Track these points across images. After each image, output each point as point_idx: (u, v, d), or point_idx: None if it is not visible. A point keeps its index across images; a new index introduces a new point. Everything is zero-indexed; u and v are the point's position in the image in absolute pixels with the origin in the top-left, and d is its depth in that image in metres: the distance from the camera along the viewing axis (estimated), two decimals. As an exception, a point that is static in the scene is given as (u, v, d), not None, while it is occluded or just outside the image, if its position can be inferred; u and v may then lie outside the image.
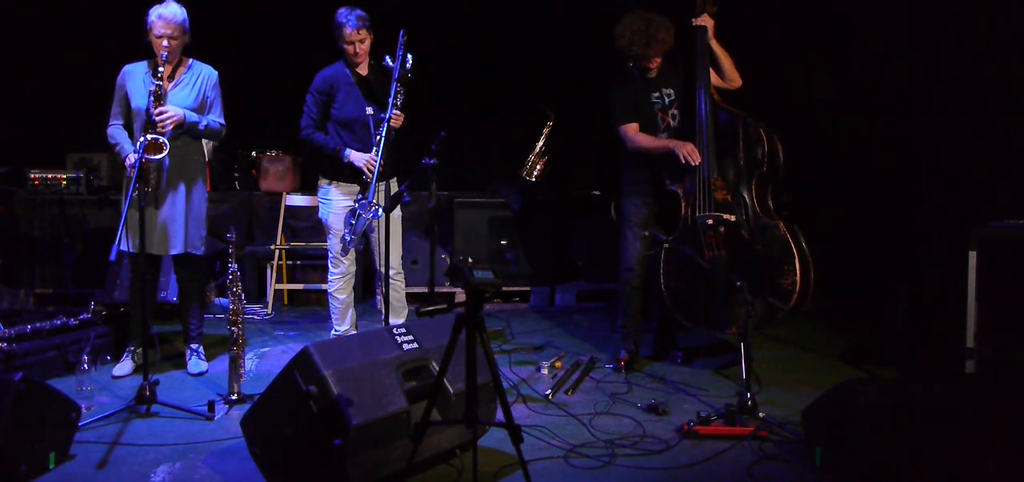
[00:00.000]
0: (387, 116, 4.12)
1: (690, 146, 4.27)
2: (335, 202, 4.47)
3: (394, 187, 4.33)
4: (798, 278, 4.12)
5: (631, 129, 4.44)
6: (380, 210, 4.16)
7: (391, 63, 4.13)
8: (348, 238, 4.31)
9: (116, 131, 4.15)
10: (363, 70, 4.42)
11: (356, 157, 4.34)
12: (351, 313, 4.59)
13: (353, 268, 4.55)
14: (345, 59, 4.41)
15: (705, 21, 4.33)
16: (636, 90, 4.46)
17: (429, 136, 4.22)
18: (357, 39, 4.31)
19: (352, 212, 4.27)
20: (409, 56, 4.11)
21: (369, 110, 4.29)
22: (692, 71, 4.34)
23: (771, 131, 4.30)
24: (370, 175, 4.17)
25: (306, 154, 4.60)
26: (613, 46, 4.38)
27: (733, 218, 4.27)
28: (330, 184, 4.48)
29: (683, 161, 4.25)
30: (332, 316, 4.65)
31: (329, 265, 4.55)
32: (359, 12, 4.31)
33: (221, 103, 4.30)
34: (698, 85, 4.31)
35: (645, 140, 4.42)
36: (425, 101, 4.46)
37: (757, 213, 4.27)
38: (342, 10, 4.32)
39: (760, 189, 4.32)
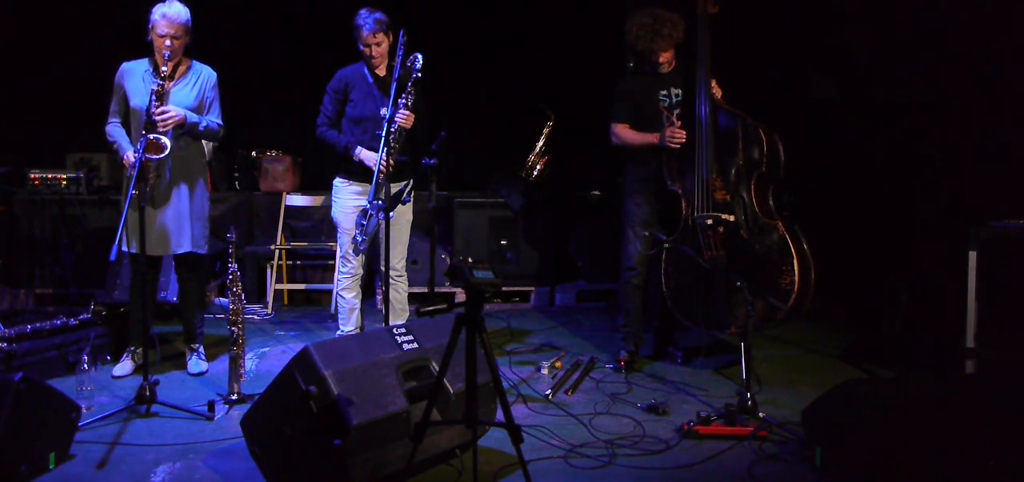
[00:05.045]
0: (387, 116, 4.12)
1: (670, 129, 4.31)
2: (346, 200, 4.49)
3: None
4: (797, 278, 4.12)
5: (620, 127, 4.50)
6: (392, 211, 4.18)
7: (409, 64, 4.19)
8: (359, 238, 4.32)
9: (114, 129, 4.15)
10: (381, 71, 4.44)
11: (367, 156, 4.35)
12: (356, 315, 4.59)
13: (361, 269, 4.56)
14: (364, 60, 4.43)
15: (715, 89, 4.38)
16: (642, 87, 4.48)
17: (429, 136, 4.23)
18: (373, 42, 4.33)
19: (363, 212, 4.28)
20: (419, 57, 4.14)
21: (383, 110, 4.29)
22: (693, 70, 4.35)
23: (771, 131, 4.31)
24: (382, 174, 4.19)
25: (320, 151, 4.61)
26: (624, 41, 4.44)
27: (732, 218, 4.27)
28: (342, 182, 4.50)
29: (668, 143, 4.31)
30: (338, 316, 4.67)
31: (338, 264, 4.56)
32: (378, 14, 4.33)
33: (219, 104, 4.29)
34: (698, 84, 4.31)
35: (629, 134, 4.48)
36: (425, 100, 4.46)
37: (756, 213, 4.28)
38: (362, 12, 4.35)
39: (760, 189, 4.32)
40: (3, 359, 4.02)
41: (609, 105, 4.54)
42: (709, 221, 4.26)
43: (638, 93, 4.50)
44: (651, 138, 4.40)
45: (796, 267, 4.12)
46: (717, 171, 4.30)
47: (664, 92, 4.47)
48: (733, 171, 4.31)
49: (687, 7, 4.39)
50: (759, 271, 4.18)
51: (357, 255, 4.43)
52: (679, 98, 4.46)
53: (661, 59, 4.39)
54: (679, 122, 4.40)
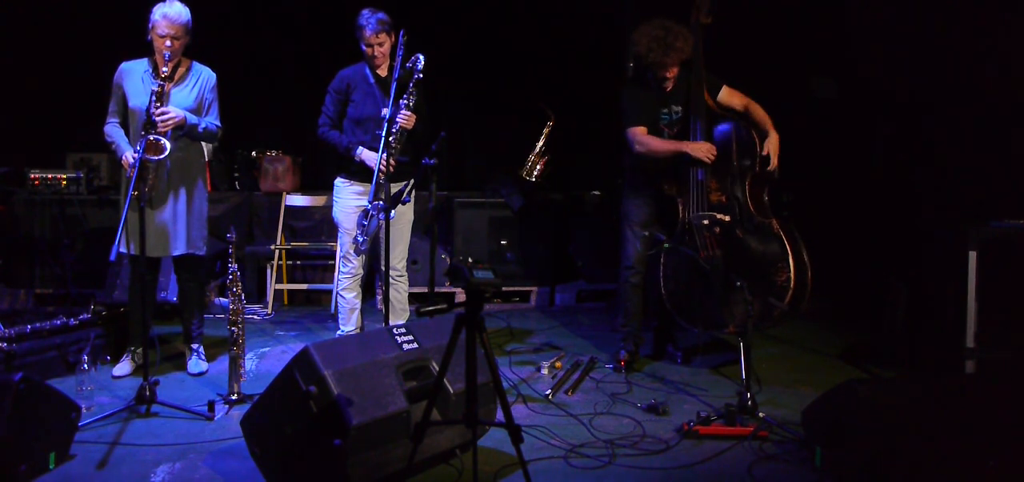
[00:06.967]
0: (387, 116, 4.12)
1: (707, 145, 4.25)
2: (347, 200, 4.49)
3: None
4: (792, 275, 4.12)
5: (640, 132, 4.36)
6: (392, 211, 4.18)
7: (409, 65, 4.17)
8: (360, 239, 4.32)
9: (113, 130, 4.14)
10: (383, 71, 4.44)
11: (368, 156, 4.35)
12: (357, 315, 4.59)
13: (362, 269, 4.56)
14: (366, 60, 4.43)
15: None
16: (648, 99, 4.42)
17: (430, 136, 4.22)
18: (376, 42, 4.33)
19: (365, 212, 4.28)
20: (421, 57, 4.13)
21: (384, 111, 4.29)
22: (691, 83, 4.35)
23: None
24: (383, 174, 4.18)
25: (320, 151, 4.61)
26: (631, 52, 4.40)
27: (727, 218, 4.27)
28: (343, 182, 4.50)
29: (695, 154, 4.25)
30: (339, 316, 4.67)
31: (339, 264, 4.56)
32: (380, 15, 4.33)
33: (218, 106, 4.29)
34: (691, 89, 4.31)
35: (655, 142, 4.36)
36: (426, 101, 4.46)
37: (751, 212, 4.28)
38: (364, 12, 4.35)
39: (754, 189, 4.33)
40: (3, 359, 4.02)
41: (620, 113, 4.43)
42: (705, 221, 4.27)
43: (645, 101, 4.42)
44: (679, 146, 4.29)
45: (792, 265, 4.13)
46: (711, 173, 4.31)
47: (665, 111, 4.42)
48: (728, 173, 4.32)
49: (681, 18, 4.35)
50: (755, 269, 4.18)
51: (358, 255, 4.43)
52: (678, 115, 4.43)
53: (669, 74, 4.29)
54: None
